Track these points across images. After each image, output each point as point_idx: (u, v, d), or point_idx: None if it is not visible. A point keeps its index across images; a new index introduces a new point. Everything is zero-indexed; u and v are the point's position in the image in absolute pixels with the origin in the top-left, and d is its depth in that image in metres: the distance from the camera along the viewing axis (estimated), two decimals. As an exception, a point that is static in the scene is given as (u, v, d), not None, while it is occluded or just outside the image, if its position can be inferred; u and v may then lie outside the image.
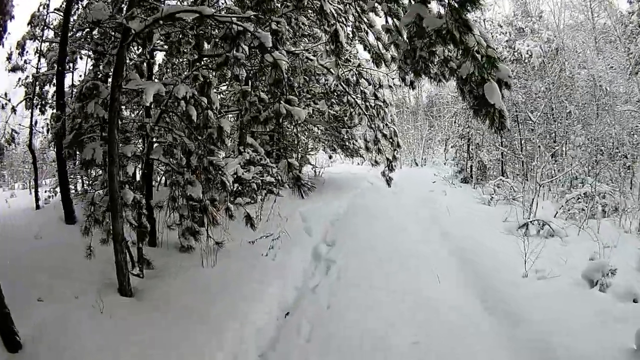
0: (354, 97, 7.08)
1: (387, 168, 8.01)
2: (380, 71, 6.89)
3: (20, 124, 11.81)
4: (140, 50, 5.91)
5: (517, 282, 5.32)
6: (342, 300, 4.60)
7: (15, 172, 19.81)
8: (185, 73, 5.00)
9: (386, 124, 7.56)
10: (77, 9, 9.20)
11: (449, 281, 5.25)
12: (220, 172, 4.62)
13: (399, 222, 8.45)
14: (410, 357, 3.64)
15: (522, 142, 15.66)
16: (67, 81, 10.02)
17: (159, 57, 9.05)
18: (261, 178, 9.36)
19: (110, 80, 4.56)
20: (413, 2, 2.83)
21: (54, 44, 9.82)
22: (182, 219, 5.23)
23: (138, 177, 5.74)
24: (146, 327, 3.82)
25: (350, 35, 5.48)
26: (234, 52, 3.39)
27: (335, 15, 4.22)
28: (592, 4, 16.96)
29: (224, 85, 9.58)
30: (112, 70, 4.36)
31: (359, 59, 8.46)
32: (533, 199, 9.30)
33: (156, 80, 5.90)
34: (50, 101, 10.70)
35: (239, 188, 9.14)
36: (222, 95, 11.29)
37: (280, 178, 8.31)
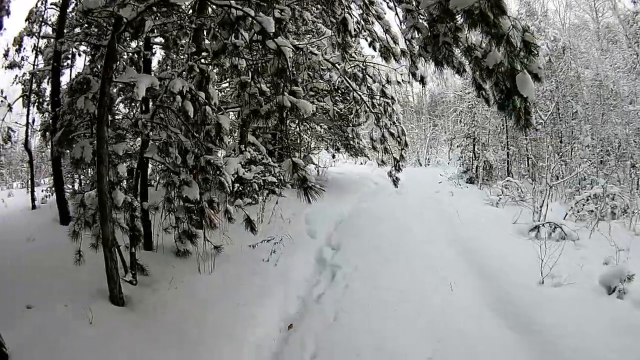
0: (360, 93, 6.76)
1: (394, 168, 7.71)
2: (388, 66, 6.57)
3: (16, 122, 11.62)
4: (135, 43, 5.66)
5: (533, 289, 5.04)
6: (349, 313, 4.26)
7: (14, 171, 19.67)
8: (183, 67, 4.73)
9: (393, 122, 7.24)
10: (75, 4, 8.94)
11: (464, 292, 4.94)
12: (218, 172, 4.31)
13: (406, 224, 8.15)
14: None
15: (527, 142, 15.45)
16: (66, 78, 9.81)
17: (159, 54, 8.83)
18: (263, 178, 9.09)
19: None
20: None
21: (52, 40, 9.61)
22: (178, 222, 4.93)
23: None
24: (136, 340, 3.56)
25: (360, 27, 5.15)
26: (232, 38, 3.07)
27: (344, 1, 3.90)
28: (596, 3, 16.77)
29: (225, 83, 9.32)
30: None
31: (363, 55, 8.18)
32: (543, 201, 9.03)
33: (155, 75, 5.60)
34: (47, 99, 10.49)
35: (240, 188, 8.86)
36: (223, 93, 11.03)
37: (282, 178, 8.03)
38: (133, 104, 7.37)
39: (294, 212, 7.77)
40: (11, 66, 10.54)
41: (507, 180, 12.52)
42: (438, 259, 6.05)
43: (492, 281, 5.37)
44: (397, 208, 9.90)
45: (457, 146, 17.83)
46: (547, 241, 6.80)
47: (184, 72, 4.05)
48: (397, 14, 4.96)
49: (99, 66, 5.67)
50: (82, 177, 10.76)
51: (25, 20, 10.16)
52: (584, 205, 9.46)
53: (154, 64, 9.15)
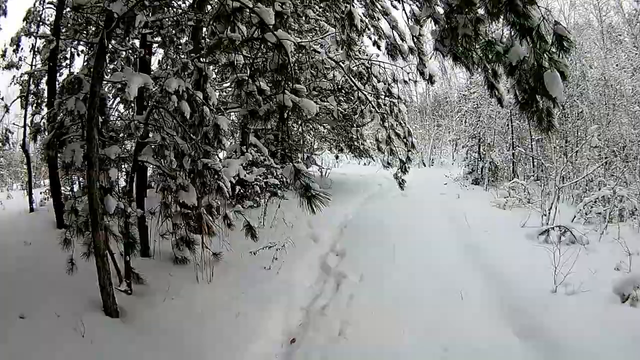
0: (365, 93, 6.52)
1: (400, 170, 7.47)
2: (395, 64, 6.34)
3: (14, 124, 11.50)
4: (131, 41, 5.45)
5: (547, 298, 4.79)
6: (355, 326, 4.00)
7: (14, 172, 19.58)
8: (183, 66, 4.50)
9: (400, 123, 7.00)
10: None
11: (476, 302, 4.69)
12: (216, 176, 4.08)
13: (413, 229, 7.90)
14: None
15: (535, 142, 15.22)
16: (64, 79, 9.64)
17: (160, 53, 8.67)
18: (265, 180, 8.89)
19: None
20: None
21: (49, 40, 9.47)
22: (175, 228, 4.70)
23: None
24: (130, 354, 3.37)
25: (364, 24, 4.91)
26: (229, 32, 2.83)
27: (348, -2, 3.65)
28: (600, 2, 16.59)
29: (226, 83, 9.14)
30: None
31: (368, 54, 7.97)
32: (552, 203, 8.79)
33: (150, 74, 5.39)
34: (46, 100, 10.37)
35: (242, 191, 8.67)
36: (224, 93, 10.83)
37: (284, 179, 7.82)
38: (131, 105, 7.18)
39: (296, 215, 7.53)
40: (9, 67, 10.43)
41: (514, 182, 12.27)
42: (447, 266, 5.81)
43: (504, 290, 5.11)
44: (402, 211, 9.67)
45: (463, 147, 17.61)
46: (556, 245, 6.60)
47: (179, 71, 3.81)
48: (404, 9, 4.74)
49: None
50: (81, 180, 10.60)
51: (23, 20, 10.06)
52: (591, 207, 9.23)
53: (155, 65, 8.99)
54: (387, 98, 6.82)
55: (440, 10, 2.62)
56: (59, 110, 4.08)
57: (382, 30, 5.05)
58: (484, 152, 15.40)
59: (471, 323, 4.16)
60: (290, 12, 3.34)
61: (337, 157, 14.83)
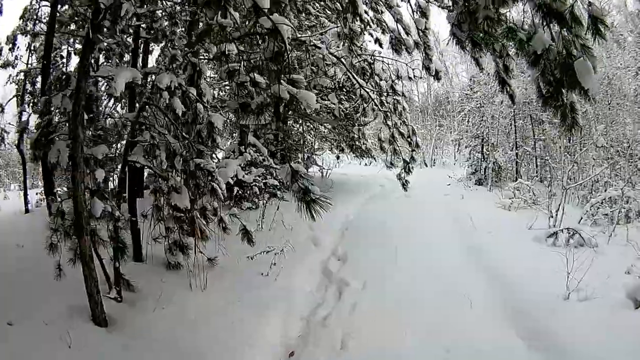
0: (368, 90, 6.28)
1: (403, 170, 7.24)
2: (398, 60, 6.09)
3: (10, 123, 11.32)
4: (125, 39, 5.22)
5: (559, 305, 4.56)
6: (358, 338, 3.75)
7: (11, 173, 19.44)
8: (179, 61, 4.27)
9: (403, 121, 6.76)
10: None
11: (485, 309, 4.46)
12: (210, 177, 3.84)
13: (416, 231, 7.66)
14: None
15: (535, 142, 15.01)
16: (59, 77, 9.45)
17: (156, 51, 8.48)
18: (264, 181, 8.66)
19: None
20: None
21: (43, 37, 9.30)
22: (168, 232, 4.46)
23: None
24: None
25: (368, 18, 4.67)
26: (219, 18, 2.59)
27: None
28: (602, 2, 16.44)
29: (225, 81, 8.93)
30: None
31: (369, 50, 7.75)
32: (559, 205, 8.56)
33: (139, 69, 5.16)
34: (40, 99, 10.18)
35: (240, 192, 8.44)
36: (222, 92, 10.62)
37: (284, 180, 7.59)
38: (126, 103, 6.96)
39: (296, 218, 7.27)
40: (4, 65, 10.28)
41: (519, 182, 12.05)
42: (453, 270, 5.59)
43: (508, 292, 4.93)
44: (405, 212, 9.44)
45: (466, 147, 17.39)
46: (564, 248, 6.39)
47: (169, 64, 3.58)
48: (409, 1, 4.51)
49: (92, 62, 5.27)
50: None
51: (20, 18, 9.90)
52: (598, 208, 9.01)
53: (152, 63, 8.80)
54: (390, 95, 6.58)
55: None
56: (44, 108, 3.86)
57: (386, 24, 4.82)
58: (488, 152, 15.17)
59: (474, 325, 4.05)
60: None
61: (338, 157, 14.61)
